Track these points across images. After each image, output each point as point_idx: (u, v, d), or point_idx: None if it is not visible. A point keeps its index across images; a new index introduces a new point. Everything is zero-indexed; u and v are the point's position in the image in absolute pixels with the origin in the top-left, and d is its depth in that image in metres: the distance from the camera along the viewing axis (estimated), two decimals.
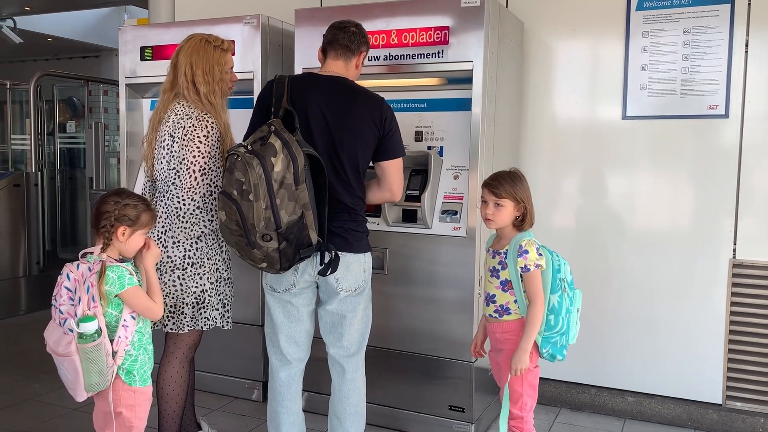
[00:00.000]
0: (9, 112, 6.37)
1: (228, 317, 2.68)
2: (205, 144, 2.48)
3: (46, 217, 5.73)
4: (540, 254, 2.26)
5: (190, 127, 2.48)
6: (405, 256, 3.08)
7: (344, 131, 2.40)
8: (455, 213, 3.00)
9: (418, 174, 3.11)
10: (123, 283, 2.08)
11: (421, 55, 3.02)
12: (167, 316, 2.55)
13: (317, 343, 2.62)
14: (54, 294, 2.11)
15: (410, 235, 3.07)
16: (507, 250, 2.31)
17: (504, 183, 2.33)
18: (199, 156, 2.46)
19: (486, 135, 2.99)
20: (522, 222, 2.34)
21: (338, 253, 2.34)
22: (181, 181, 2.47)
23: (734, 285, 3.18)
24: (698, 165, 3.23)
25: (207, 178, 2.49)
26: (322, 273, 2.34)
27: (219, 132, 2.54)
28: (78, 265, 2.10)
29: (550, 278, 2.26)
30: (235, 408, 3.46)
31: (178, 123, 2.51)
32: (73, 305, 2.06)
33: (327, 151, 2.37)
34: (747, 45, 3.11)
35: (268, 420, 2.60)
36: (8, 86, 6.40)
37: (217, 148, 2.52)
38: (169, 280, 2.53)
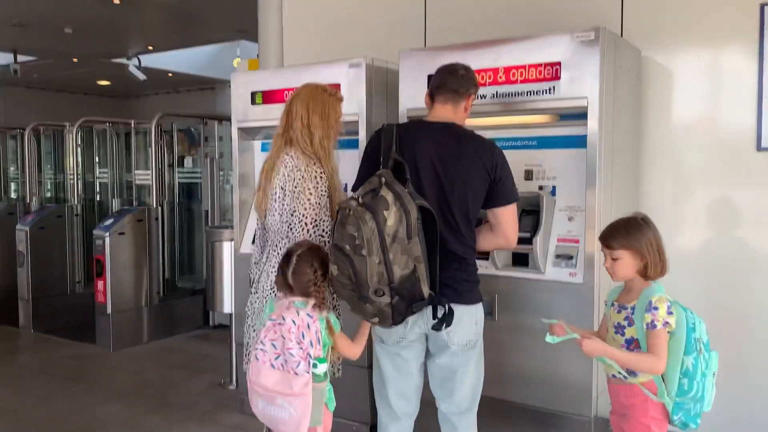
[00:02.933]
0: (134, 145, 6.82)
1: (339, 365, 2.65)
2: (315, 195, 2.49)
3: (166, 248, 6.04)
4: (671, 312, 2.07)
5: (299, 179, 2.50)
6: (516, 302, 2.95)
7: (455, 179, 2.33)
8: (570, 257, 2.84)
9: (530, 215, 2.97)
10: (338, 327, 2.34)
11: (530, 92, 2.91)
12: None
13: (427, 392, 2.54)
14: (261, 338, 2.25)
15: (521, 281, 2.93)
16: (635, 306, 2.14)
17: (615, 234, 2.18)
18: (309, 208, 2.48)
19: (603, 173, 2.81)
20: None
21: (452, 307, 2.26)
22: (293, 233, 2.50)
23: None
24: None
25: (319, 229, 2.50)
26: (436, 328, 2.28)
27: (327, 181, 2.55)
28: (298, 312, 2.23)
29: (684, 338, 2.06)
30: None
31: (288, 176, 2.54)
32: (302, 349, 2.18)
33: (437, 200, 2.31)
34: None
35: None
36: (132, 125, 6.84)
37: (326, 198, 2.53)
38: None
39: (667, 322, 2.07)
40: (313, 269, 2.27)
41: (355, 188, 2.38)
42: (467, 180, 2.34)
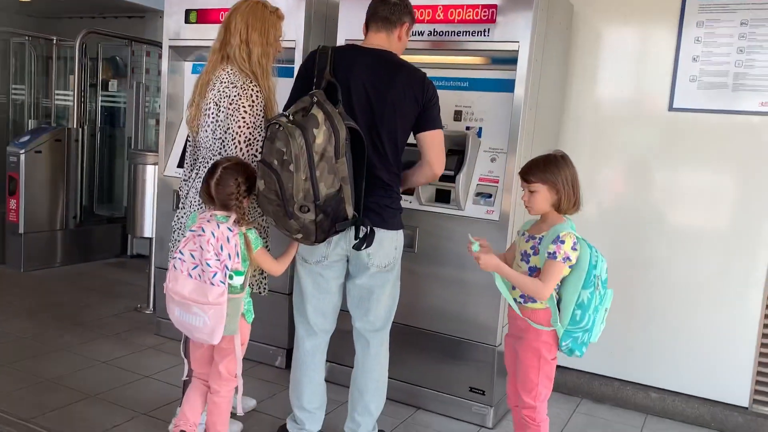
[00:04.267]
0: (54, 67, 6.45)
1: (265, 284, 2.69)
2: (250, 114, 2.47)
3: (85, 173, 5.82)
4: (574, 249, 2.21)
5: (235, 96, 2.47)
6: (436, 236, 3.07)
7: (385, 106, 2.38)
8: (489, 196, 2.97)
9: (455, 154, 3.07)
10: (258, 244, 2.34)
11: (466, 32, 2.97)
12: None
13: (342, 315, 2.64)
14: (180, 248, 2.24)
15: (442, 216, 3.05)
16: (543, 237, 2.27)
17: (534, 168, 2.28)
18: (244, 126, 2.46)
19: (527, 118, 2.94)
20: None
21: (373, 228, 2.34)
22: (226, 151, 2.48)
23: None
24: (744, 163, 3.14)
25: (252, 149, 2.48)
26: (357, 247, 2.35)
27: (263, 101, 2.53)
28: (218, 225, 2.22)
29: (585, 273, 2.20)
30: (258, 373, 3.52)
31: (223, 92, 2.50)
32: (219, 260, 2.19)
33: (367, 125, 2.36)
34: None
35: (291, 388, 2.64)
36: (55, 42, 6.46)
37: (261, 117, 2.51)
38: None
39: (567, 257, 2.19)
40: (236, 183, 2.27)
41: (287, 107, 2.39)
42: (398, 108, 2.40)
